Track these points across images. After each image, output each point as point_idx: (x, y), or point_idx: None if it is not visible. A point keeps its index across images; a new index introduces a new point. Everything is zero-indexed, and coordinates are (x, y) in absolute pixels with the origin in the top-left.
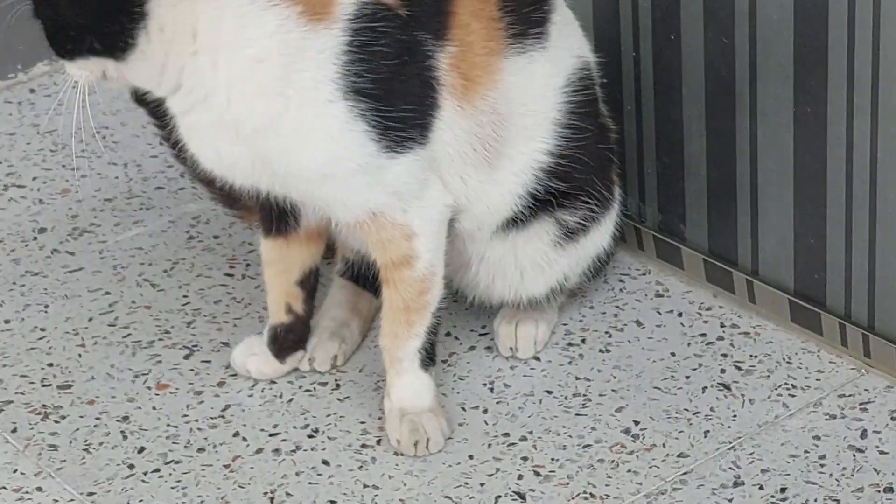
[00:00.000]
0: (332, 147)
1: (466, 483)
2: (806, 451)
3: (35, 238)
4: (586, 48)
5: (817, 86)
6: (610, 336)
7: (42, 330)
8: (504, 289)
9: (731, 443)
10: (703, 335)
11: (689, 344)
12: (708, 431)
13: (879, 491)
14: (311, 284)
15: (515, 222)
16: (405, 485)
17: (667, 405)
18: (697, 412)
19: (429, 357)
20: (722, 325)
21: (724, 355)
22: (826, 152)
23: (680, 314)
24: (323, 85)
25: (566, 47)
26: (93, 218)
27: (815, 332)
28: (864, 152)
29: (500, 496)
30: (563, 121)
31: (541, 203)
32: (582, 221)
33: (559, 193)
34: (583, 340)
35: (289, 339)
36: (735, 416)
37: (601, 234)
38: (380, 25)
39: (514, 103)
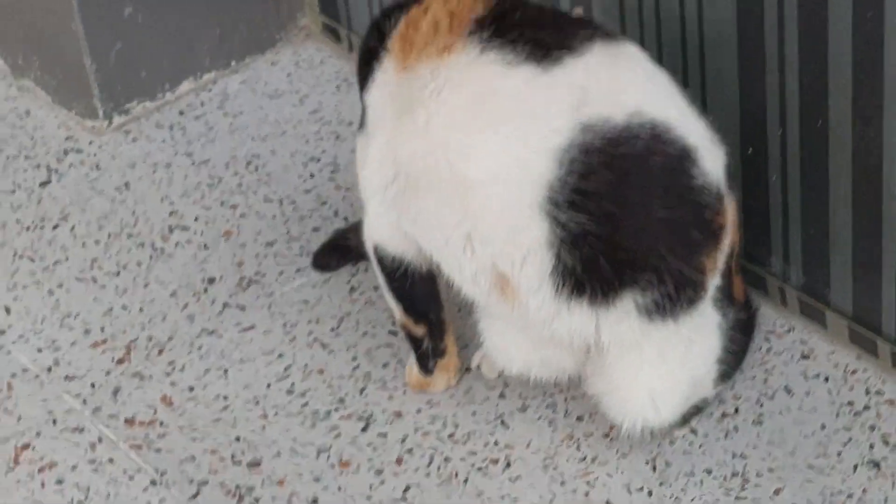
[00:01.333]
0: None
1: None
2: None
3: (205, 290)
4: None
5: None
6: (762, 406)
7: (224, 398)
8: None
9: None
10: (851, 403)
11: (837, 415)
12: None
13: None
14: None
15: None
16: None
17: (822, 486)
18: (851, 494)
19: None
20: (867, 392)
21: (872, 427)
22: None
23: (826, 379)
24: None
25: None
26: (257, 265)
27: None
28: None
29: None
30: None
31: None
32: None
33: None
34: (736, 410)
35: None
36: (886, 498)
37: None
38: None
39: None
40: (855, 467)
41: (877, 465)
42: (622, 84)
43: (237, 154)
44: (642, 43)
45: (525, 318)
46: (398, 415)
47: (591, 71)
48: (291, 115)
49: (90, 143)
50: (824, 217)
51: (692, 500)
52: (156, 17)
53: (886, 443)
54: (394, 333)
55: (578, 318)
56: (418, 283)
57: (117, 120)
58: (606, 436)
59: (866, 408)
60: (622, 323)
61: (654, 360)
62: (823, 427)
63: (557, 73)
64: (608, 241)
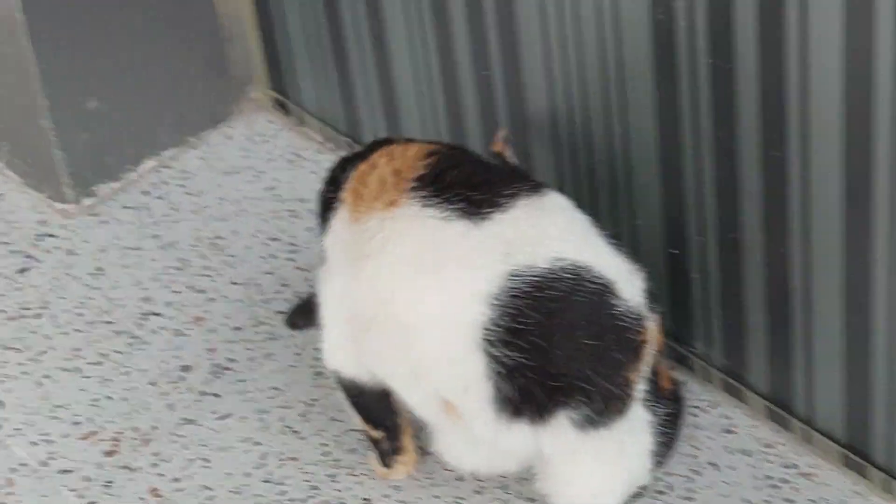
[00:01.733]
0: None
1: None
2: None
3: (182, 378)
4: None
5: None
6: (692, 482)
7: (209, 489)
8: None
9: None
10: (769, 477)
11: (758, 489)
12: None
13: None
14: None
15: None
16: None
17: None
18: None
19: None
20: (784, 466)
21: (789, 501)
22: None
23: (748, 453)
24: None
25: None
26: (228, 352)
27: (866, 477)
28: None
29: None
30: None
31: None
32: None
33: None
34: (670, 487)
35: None
36: None
37: None
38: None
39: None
40: None
41: None
42: (544, 234)
43: (201, 235)
44: (575, 161)
45: (472, 434)
46: (367, 501)
47: (516, 224)
48: (249, 192)
49: (62, 226)
50: (740, 308)
51: None
52: (118, 105)
53: None
54: None
55: (519, 436)
56: (375, 399)
57: (86, 202)
58: None
59: (783, 481)
60: (559, 437)
61: (592, 464)
62: (748, 502)
63: (487, 227)
64: (540, 371)
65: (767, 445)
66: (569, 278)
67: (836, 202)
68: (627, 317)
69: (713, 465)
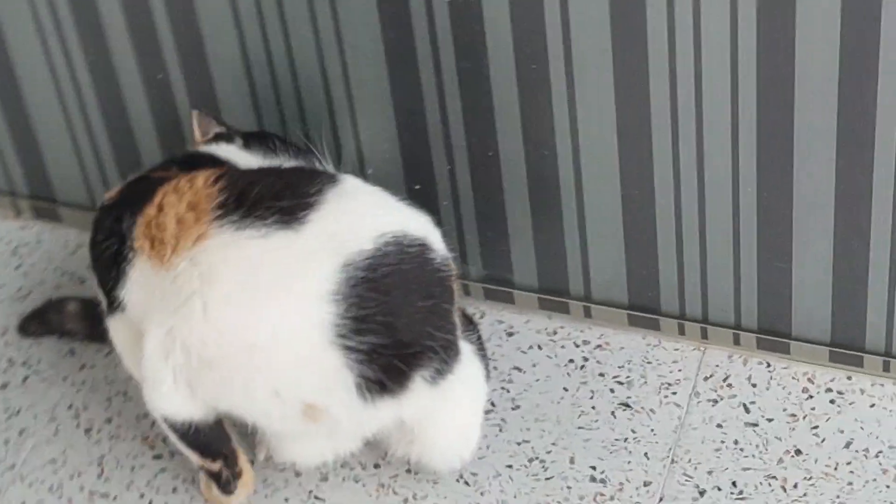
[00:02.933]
0: None
1: None
2: (722, 441)
3: None
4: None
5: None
6: (508, 392)
7: None
8: None
9: (669, 457)
10: (571, 361)
11: (568, 374)
12: (646, 453)
13: (792, 455)
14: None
15: None
16: None
17: (600, 440)
18: (626, 438)
19: None
20: (577, 345)
21: (601, 374)
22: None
23: (541, 346)
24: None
25: None
26: None
27: (657, 329)
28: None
29: None
30: None
31: None
32: None
33: None
34: (493, 405)
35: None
36: (652, 429)
37: None
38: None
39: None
40: (612, 413)
41: (626, 405)
42: (359, 217)
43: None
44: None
45: (334, 429)
46: None
47: (333, 217)
48: None
49: None
50: (501, 219)
51: (514, 497)
52: None
53: (621, 383)
54: (159, 457)
55: (385, 411)
56: (209, 431)
57: None
58: (409, 471)
59: (584, 359)
60: (419, 399)
61: (452, 410)
62: (566, 389)
63: (307, 230)
64: (394, 346)
65: (553, 332)
66: (393, 250)
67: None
68: (443, 266)
69: (517, 369)
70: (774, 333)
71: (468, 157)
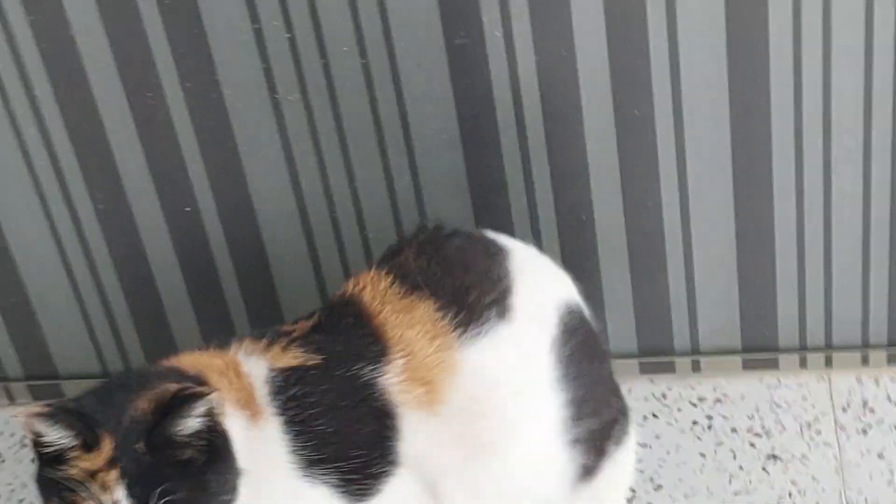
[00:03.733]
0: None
1: None
2: (891, 471)
3: None
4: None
5: None
6: (643, 472)
7: None
8: None
9: (844, 501)
10: (696, 422)
11: (698, 438)
12: (817, 502)
13: None
14: None
15: None
16: None
17: (764, 503)
18: (790, 493)
19: None
20: (693, 405)
21: (734, 430)
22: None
23: (655, 415)
24: (285, 474)
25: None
26: None
27: (772, 368)
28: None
29: None
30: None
31: None
32: None
33: None
34: (632, 490)
35: None
36: (813, 476)
37: None
38: (305, 393)
39: (488, 389)
40: (764, 469)
41: (775, 456)
42: (543, 290)
43: None
44: None
45: None
46: None
47: (527, 296)
48: None
49: None
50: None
51: None
52: None
53: (757, 434)
54: None
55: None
56: None
57: None
58: None
59: (709, 417)
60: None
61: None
62: (703, 455)
63: (516, 318)
64: (602, 424)
65: (662, 396)
66: (572, 322)
67: None
68: (596, 326)
69: (641, 445)
70: None
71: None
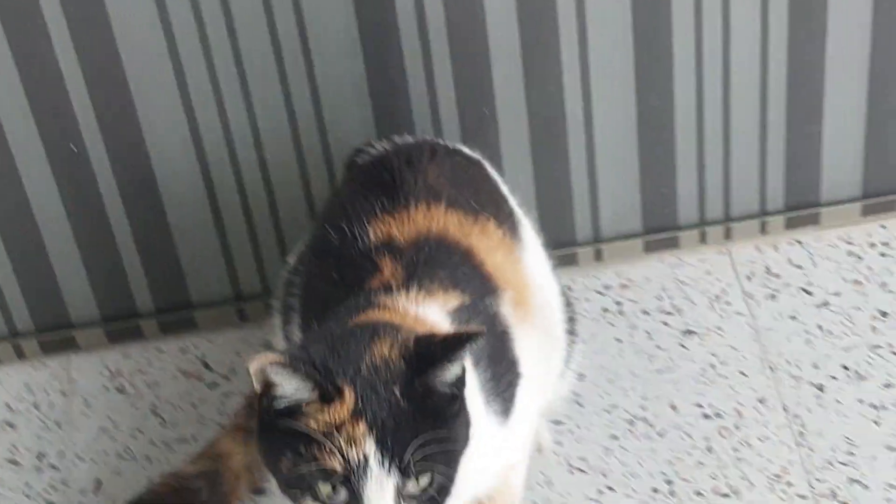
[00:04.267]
0: (490, 447)
1: None
2: (806, 332)
3: None
4: None
5: None
6: None
7: None
8: None
9: (766, 366)
10: (606, 309)
11: (612, 324)
12: (741, 371)
13: (881, 319)
14: None
15: None
16: None
17: (689, 378)
18: (712, 364)
19: None
20: (600, 293)
21: (645, 312)
22: None
23: None
24: (480, 412)
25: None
26: None
27: (672, 248)
28: None
29: None
30: None
31: None
32: None
33: None
34: None
35: None
36: (732, 346)
37: None
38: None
39: (541, 288)
40: (682, 345)
41: (690, 331)
42: None
43: None
44: None
45: None
46: None
47: None
48: None
49: None
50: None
51: (640, 464)
52: None
53: (669, 313)
54: None
55: None
56: None
57: None
58: None
59: (618, 303)
60: None
61: None
62: (619, 340)
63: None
64: None
65: (568, 289)
66: None
67: None
68: None
69: None
70: (803, 206)
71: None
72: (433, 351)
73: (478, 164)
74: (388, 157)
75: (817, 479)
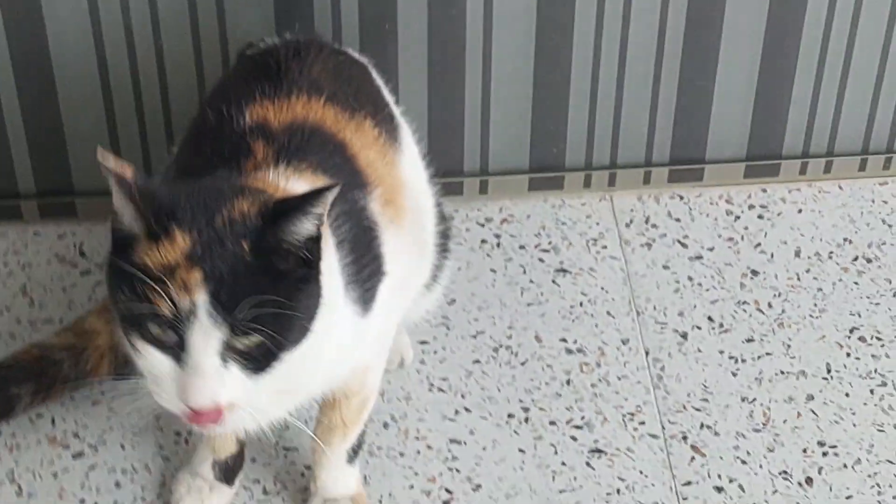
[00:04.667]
0: (344, 337)
1: None
2: (676, 281)
3: None
4: None
5: None
6: None
7: None
8: None
9: (633, 309)
10: (485, 241)
11: (488, 255)
12: (608, 311)
13: (750, 277)
14: None
15: None
16: None
17: (557, 312)
18: (580, 302)
19: (355, 452)
20: (480, 225)
21: (522, 247)
22: None
23: None
24: (339, 294)
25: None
26: None
27: (556, 188)
28: None
29: None
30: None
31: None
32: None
33: None
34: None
35: (238, 462)
36: (602, 287)
37: None
38: (340, 213)
39: (415, 193)
40: (554, 282)
41: (564, 270)
42: None
43: None
44: None
45: None
46: None
47: None
48: None
49: None
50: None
51: (498, 390)
52: None
53: (545, 250)
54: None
55: None
56: None
57: None
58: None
59: (497, 236)
60: None
61: None
62: (494, 271)
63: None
64: None
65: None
66: None
67: None
68: None
69: None
70: (688, 162)
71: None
72: (290, 205)
73: (363, 66)
74: (276, 49)
75: (670, 422)
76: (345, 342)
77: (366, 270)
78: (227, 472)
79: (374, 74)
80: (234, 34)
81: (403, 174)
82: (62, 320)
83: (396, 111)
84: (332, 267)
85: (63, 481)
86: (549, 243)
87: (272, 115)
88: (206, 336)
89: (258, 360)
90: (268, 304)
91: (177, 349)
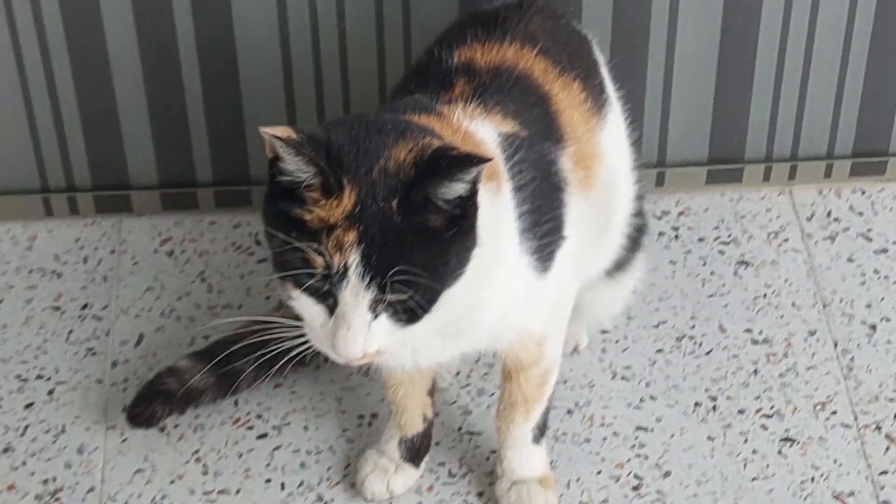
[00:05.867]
0: (513, 291)
1: None
2: (862, 274)
3: None
4: None
5: None
6: None
7: None
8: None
9: (819, 301)
10: (662, 233)
11: (667, 248)
12: (793, 303)
13: None
14: (434, 388)
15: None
16: None
17: (740, 303)
18: (764, 294)
19: (540, 431)
20: (657, 218)
21: (701, 240)
22: None
23: None
24: (512, 243)
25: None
26: None
27: (735, 181)
28: None
29: None
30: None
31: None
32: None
33: None
34: None
35: (424, 443)
36: (786, 280)
37: None
38: (524, 160)
39: (611, 169)
40: (736, 273)
41: (745, 262)
42: None
43: None
44: None
45: None
46: None
47: None
48: None
49: None
50: None
51: (683, 379)
52: None
53: (725, 243)
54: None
55: None
56: None
57: None
58: (564, 382)
59: (675, 229)
60: None
61: None
62: (673, 262)
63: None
64: None
65: None
66: None
67: None
68: None
69: None
70: (871, 154)
71: None
72: (440, 163)
73: (583, 38)
74: (499, 7)
75: (863, 412)
76: (515, 295)
77: (544, 225)
78: (414, 452)
79: (595, 49)
80: (417, 17)
81: (602, 146)
82: (241, 306)
83: (611, 88)
84: (503, 212)
85: (248, 461)
86: (729, 236)
87: (480, 55)
88: (356, 294)
89: (408, 312)
90: (417, 263)
91: (328, 301)
